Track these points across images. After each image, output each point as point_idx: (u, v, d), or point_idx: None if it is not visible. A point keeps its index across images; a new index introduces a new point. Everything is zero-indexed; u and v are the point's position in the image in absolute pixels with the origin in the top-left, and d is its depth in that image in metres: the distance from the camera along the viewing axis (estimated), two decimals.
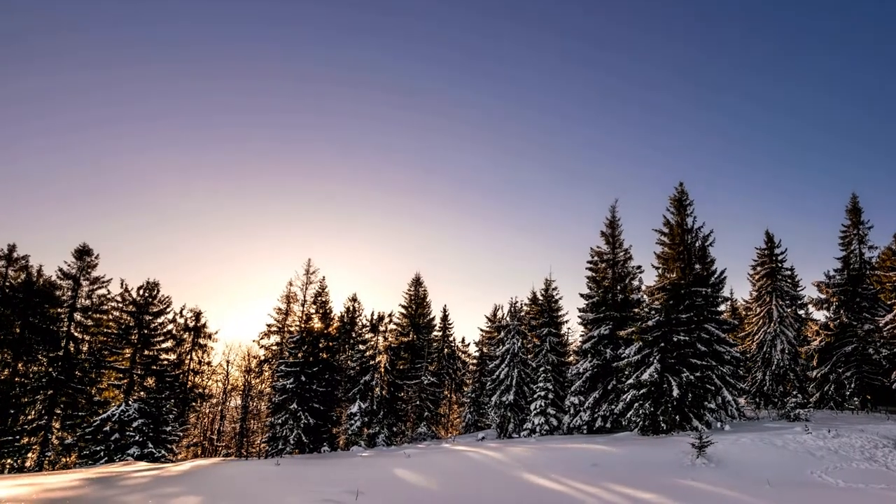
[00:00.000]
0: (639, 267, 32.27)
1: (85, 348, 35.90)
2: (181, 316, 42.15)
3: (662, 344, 25.82)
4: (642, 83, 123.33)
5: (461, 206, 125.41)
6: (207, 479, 15.88)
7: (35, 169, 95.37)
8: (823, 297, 35.24)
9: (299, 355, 34.47)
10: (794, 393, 30.99)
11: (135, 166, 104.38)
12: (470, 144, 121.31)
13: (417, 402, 39.33)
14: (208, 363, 43.28)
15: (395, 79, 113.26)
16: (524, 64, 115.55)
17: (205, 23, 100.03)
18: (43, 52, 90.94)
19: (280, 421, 32.44)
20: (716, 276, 28.47)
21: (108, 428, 30.77)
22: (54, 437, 33.02)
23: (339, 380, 36.10)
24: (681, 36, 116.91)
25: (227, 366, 46.58)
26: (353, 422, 33.88)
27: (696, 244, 28.39)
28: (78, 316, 35.40)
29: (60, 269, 35.29)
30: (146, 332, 35.30)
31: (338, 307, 57.34)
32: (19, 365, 33.48)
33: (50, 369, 33.76)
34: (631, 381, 25.71)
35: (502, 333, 35.76)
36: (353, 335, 42.13)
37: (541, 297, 37.84)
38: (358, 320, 42.91)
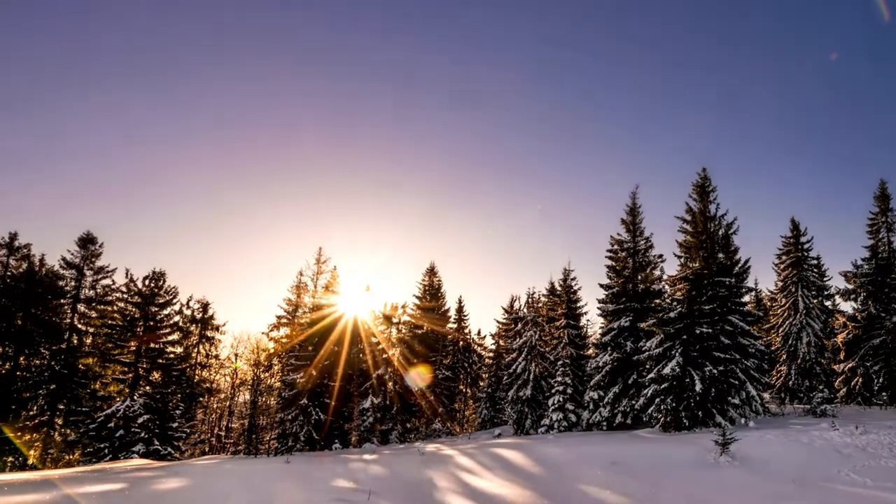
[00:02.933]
0: (660, 256, 32.43)
1: (88, 341, 36.40)
2: (188, 307, 42.95)
3: (684, 336, 26.00)
4: (664, 66, 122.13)
5: (478, 194, 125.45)
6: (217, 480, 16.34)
7: (38, 157, 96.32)
8: (850, 287, 35.37)
9: (309, 348, 35.16)
10: (821, 388, 31.34)
11: (139, 154, 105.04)
12: (486, 130, 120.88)
13: (432, 398, 40.13)
14: (216, 356, 44.14)
15: (403, 64, 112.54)
16: (542, 43, 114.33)
17: (212, 15, 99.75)
18: (45, 45, 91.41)
19: (290, 417, 33.11)
20: (740, 265, 28.75)
21: (112, 424, 31.37)
22: (57, 433, 33.60)
23: (350, 374, 36.87)
24: (701, 18, 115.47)
25: (236, 359, 47.60)
26: (365, 418, 34.59)
27: (720, 232, 28.63)
28: (81, 307, 35.98)
29: (63, 259, 35.78)
30: (152, 324, 35.87)
31: None
32: (21, 358, 33.97)
33: (52, 363, 34.30)
34: (652, 375, 26.04)
35: (519, 325, 36.29)
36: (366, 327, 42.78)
37: (559, 288, 37.88)
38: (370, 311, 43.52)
